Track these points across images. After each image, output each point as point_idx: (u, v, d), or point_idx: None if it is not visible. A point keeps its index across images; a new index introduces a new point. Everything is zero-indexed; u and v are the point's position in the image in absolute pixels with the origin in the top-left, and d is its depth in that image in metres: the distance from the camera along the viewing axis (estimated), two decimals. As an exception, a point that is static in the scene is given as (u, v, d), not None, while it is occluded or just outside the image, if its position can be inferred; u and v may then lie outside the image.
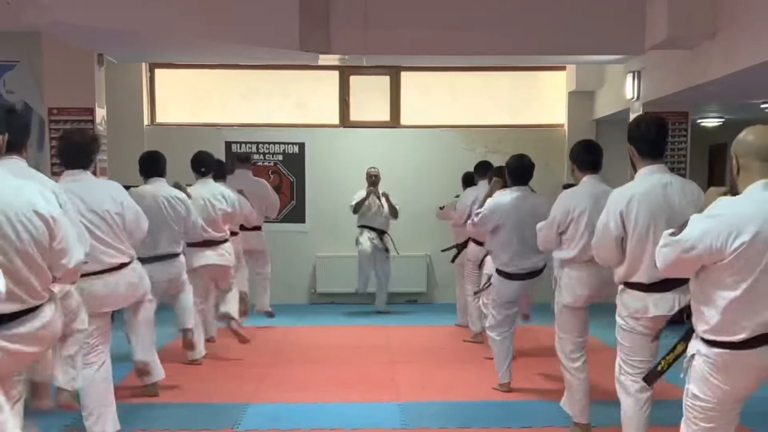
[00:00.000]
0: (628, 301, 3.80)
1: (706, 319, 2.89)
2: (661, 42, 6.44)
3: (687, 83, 6.69)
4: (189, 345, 6.03)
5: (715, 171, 10.75)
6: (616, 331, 3.93)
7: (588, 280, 4.56)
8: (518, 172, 5.59)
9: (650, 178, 3.77)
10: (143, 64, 9.54)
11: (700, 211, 2.98)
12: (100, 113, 7.34)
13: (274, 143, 9.86)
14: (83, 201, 4.21)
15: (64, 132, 4.86)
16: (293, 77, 9.72)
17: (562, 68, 9.79)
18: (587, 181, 4.66)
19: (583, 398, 4.76)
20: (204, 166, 6.62)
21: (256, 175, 8.32)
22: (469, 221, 6.22)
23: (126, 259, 4.48)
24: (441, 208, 8.63)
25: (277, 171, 9.80)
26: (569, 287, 4.62)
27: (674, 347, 3.21)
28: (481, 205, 5.87)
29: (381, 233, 9.08)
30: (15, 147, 3.38)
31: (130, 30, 6.17)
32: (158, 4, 6.09)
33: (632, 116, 8.09)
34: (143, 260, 4.97)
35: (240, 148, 9.70)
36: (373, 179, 9.04)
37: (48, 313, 2.91)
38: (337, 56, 7.45)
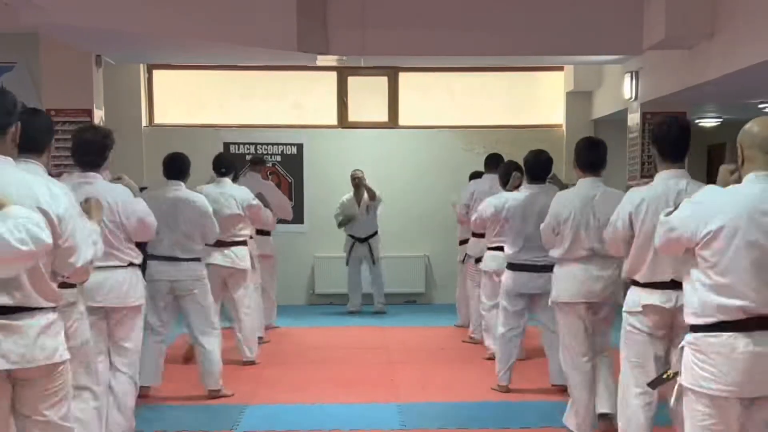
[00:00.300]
0: (628, 296, 3.86)
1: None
2: (659, 42, 6.45)
3: (685, 83, 6.70)
4: (188, 357, 5.94)
5: (713, 171, 10.72)
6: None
7: (574, 276, 4.57)
8: (535, 168, 5.55)
9: (666, 182, 3.75)
10: (141, 65, 9.53)
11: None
12: (98, 114, 7.34)
13: (272, 144, 9.86)
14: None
15: (76, 129, 4.67)
16: (291, 78, 9.72)
17: (560, 68, 9.80)
18: (581, 184, 4.64)
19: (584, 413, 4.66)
20: (225, 166, 6.59)
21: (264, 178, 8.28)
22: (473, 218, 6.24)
23: (118, 263, 4.27)
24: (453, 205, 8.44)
25: (276, 172, 9.80)
26: (556, 283, 4.68)
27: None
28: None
29: (367, 239, 9.11)
30: (35, 149, 3.19)
31: (128, 31, 6.17)
32: (156, 5, 6.08)
33: (630, 116, 8.14)
34: (150, 256, 5.08)
35: (238, 149, 9.70)
36: (356, 182, 9.01)
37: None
38: (335, 57, 7.45)
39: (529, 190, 5.57)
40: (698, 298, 2.88)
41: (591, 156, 4.66)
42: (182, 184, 5.54)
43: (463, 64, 9.05)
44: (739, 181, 2.94)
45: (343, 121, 10.03)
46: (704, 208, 2.89)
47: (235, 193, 6.45)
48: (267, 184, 7.97)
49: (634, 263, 3.78)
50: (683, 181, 3.76)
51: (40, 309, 2.71)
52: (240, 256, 6.42)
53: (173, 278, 5.43)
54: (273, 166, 9.83)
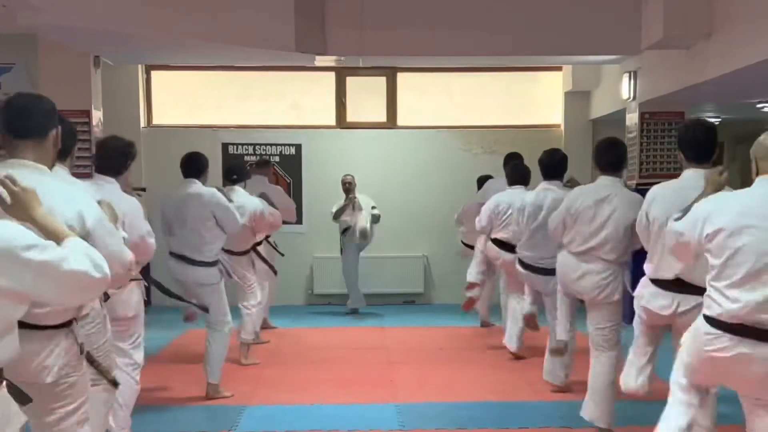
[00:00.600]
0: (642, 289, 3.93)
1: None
2: (657, 42, 6.45)
3: (683, 83, 6.70)
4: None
5: (712, 170, 10.74)
6: None
7: (563, 264, 4.73)
8: (549, 166, 5.62)
9: (685, 181, 3.76)
10: (139, 66, 9.53)
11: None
12: (97, 115, 7.34)
13: (271, 144, 9.86)
14: None
15: (100, 139, 4.79)
16: (289, 78, 9.72)
17: (558, 68, 9.80)
18: (598, 182, 4.67)
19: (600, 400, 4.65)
20: (236, 173, 6.61)
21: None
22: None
23: None
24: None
25: (274, 172, 9.78)
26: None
27: None
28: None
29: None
30: (61, 154, 3.19)
31: (125, 32, 6.16)
32: (154, 5, 6.07)
33: (628, 116, 8.14)
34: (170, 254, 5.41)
35: (236, 150, 9.70)
36: (347, 186, 8.98)
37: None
38: (334, 57, 7.45)
39: (545, 186, 5.61)
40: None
41: (607, 157, 4.65)
42: (197, 181, 5.56)
43: (462, 64, 9.05)
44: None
45: (342, 122, 10.03)
46: (708, 209, 2.95)
47: (244, 203, 6.32)
48: (274, 188, 7.82)
49: (650, 256, 3.85)
50: (702, 181, 3.75)
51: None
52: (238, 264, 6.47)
53: (182, 278, 5.51)
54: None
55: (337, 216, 9.01)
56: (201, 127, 9.74)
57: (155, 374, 5.88)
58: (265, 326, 7.70)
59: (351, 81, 9.92)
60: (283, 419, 5.13)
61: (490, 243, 6.72)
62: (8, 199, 2.42)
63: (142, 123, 9.73)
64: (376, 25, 6.94)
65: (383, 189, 9.30)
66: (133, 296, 4.29)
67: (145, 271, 4.76)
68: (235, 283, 6.52)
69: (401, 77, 9.95)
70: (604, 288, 4.49)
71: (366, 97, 10.00)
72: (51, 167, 2.88)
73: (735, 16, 5.72)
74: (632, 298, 4.03)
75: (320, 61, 7.45)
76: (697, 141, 3.79)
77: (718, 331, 2.84)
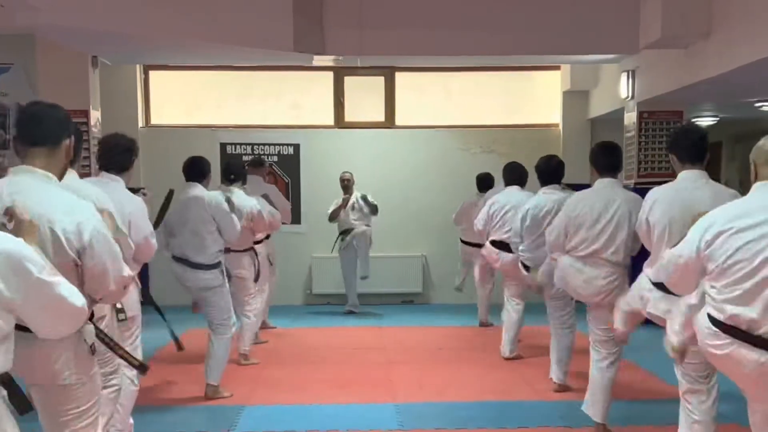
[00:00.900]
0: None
1: None
2: (655, 41, 6.46)
3: (681, 82, 6.71)
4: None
5: (710, 170, 10.73)
6: None
7: (566, 268, 4.73)
8: (546, 173, 5.71)
9: (681, 183, 3.81)
10: (137, 66, 9.52)
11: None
12: (95, 115, 7.33)
13: (269, 144, 9.86)
14: None
15: (102, 138, 4.77)
16: (288, 78, 9.72)
17: (557, 68, 9.81)
18: (596, 185, 4.69)
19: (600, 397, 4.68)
20: (233, 172, 6.60)
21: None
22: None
23: None
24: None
25: (273, 172, 9.78)
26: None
27: None
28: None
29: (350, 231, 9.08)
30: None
31: (125, 32, 6.16)
32: (152, 6, 6.07)
33: (627, 115, 8.15)
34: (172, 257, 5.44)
35: (235, 150, 9.70)
36: (345, 183, 9.00)
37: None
38: (332, 57, 7.44)
39: (545, 192, 5.68)
40: None
41: (605, 159, 4.69)
42: (198, 184, 5.57)
43: (460, 63, 9.05)
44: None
45: (340, 121, 10.03)
46: (708, 219, 2.96)
47: (243, 204, 6.33)
48: (269, 188, 7.87)
49: (652, 258, 3.86)
50: (701, 181, 3.80)
51: None
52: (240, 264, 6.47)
53: (187, 283, 5.53)
54: (270, 166, 9.81)
55: (332, 217, 9.02)
56: (199, 127, 9.74)
57: (154, 374, 5.86)
58: (263, 326, 7.69)
59: (349, 81, 9.92)
60: (282, 419, 5.13)
61: (488, 245, 6.71)
62: (9, 225, 2.53)
63: (140, 123, 9.72)
64: (374, 25, 6.94)
65: (382, 189, 9.30)
66: (131, 296, 4.29)
67: (143, 273, 4.75)
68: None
69: (399, 77, 9.95)
70: (609, 293, 4.48)
71: (364, 97, 10.00)
72: (61, 176, 2.88)
73: (733, 16, 5.73)
74: None
75: (318, 60, 7.45)
76: (690, 141, 3.84)
77: (716, 329, 2.87)
